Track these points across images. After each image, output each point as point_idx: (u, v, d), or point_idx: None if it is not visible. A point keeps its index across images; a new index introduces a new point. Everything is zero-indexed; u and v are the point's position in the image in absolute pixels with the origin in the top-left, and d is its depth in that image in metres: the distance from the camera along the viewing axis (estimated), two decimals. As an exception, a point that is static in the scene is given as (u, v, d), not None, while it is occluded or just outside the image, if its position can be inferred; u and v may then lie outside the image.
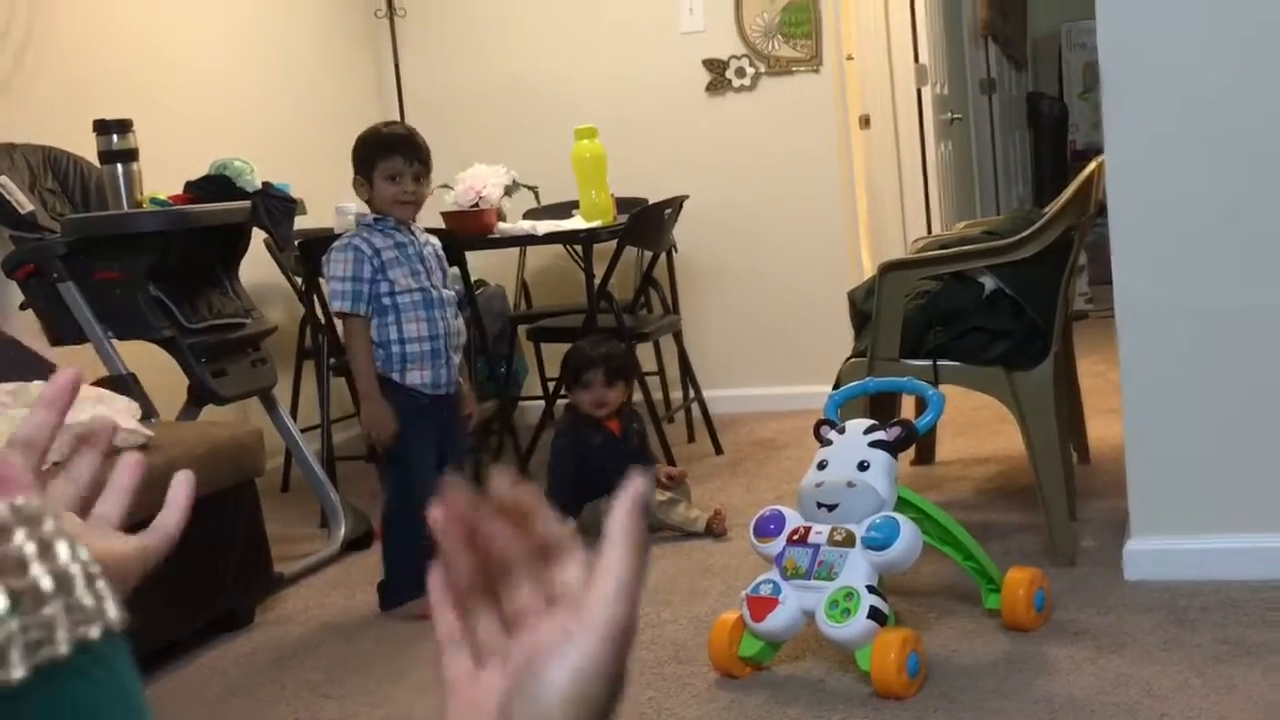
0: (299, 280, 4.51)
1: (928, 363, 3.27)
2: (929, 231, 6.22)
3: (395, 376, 3.33)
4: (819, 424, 2.88)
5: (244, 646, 3.25)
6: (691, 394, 5.00)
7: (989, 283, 3.23)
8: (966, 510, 3.83)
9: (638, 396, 4.54)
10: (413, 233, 3.42)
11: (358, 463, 4.70)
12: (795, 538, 2.73)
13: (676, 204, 4.72)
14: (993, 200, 7.82)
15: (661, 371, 5.20)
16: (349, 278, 3.29)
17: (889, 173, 6.18)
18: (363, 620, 3.37)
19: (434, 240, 3.50)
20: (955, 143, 6.93)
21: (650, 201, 5.02)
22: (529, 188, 4.89)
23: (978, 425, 4.63)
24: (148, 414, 3.54)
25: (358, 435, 4.84)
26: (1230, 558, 3.02)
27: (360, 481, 4.71)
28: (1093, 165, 3.28)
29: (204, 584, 3.25)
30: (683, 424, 5.10)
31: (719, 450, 4.86)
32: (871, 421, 2.85)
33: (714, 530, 3.79)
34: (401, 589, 3.35)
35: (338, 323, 3.67)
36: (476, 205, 4.52)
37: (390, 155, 3.29)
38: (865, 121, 6.07)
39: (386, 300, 3.32)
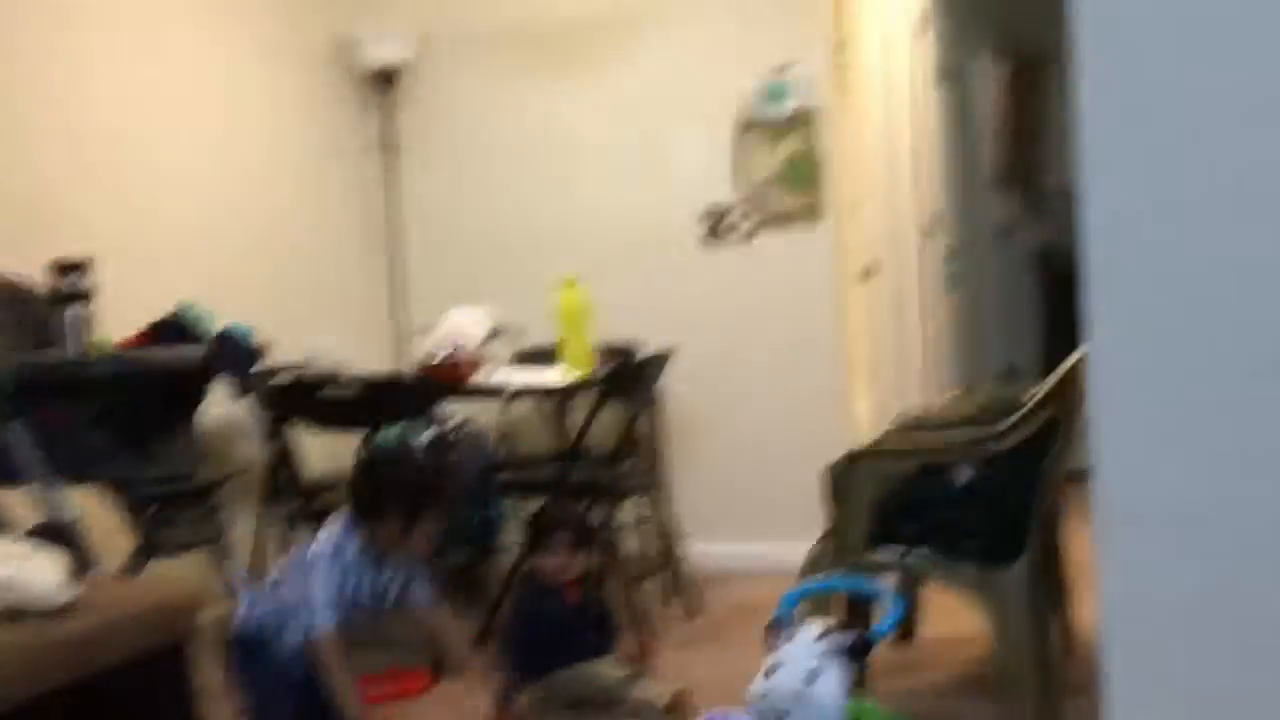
0: (268, 417, 4.38)
1: (897, 554, 3.11)
2: (930, 384, 6.07)
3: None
4: (771, 624, 2.71)
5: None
6: (671, 553, 4.83)
7: (964, 474, 3.08)
8: (942, 699, 3.65)
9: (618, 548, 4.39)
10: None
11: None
12: (739, 749, 2.55)
13: (662, 358, 4.59)
14: (1004, 350, 7.67)
15: (642, 525, 5.03)
16: (331, 598, 3.08)
17: (892, 324, 6.04)
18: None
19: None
20: (964, 293, 6.80)
21: (640, 347, 4.91)
22: (511, 333, 4.78)
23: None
24: (86, 566, 3.39)
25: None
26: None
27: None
28: (1076, 356, 3.13)
29: (125, 754, 3.08)
30: (660, 583, 4.92)
31: (695, 613, 4.68)
32: (826, 626, 2.68)
33: (676, 711, 3.59)
34: None
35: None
36: (454, 353, 4.40)
37: (443, 507, 3.23)
38: (869, 272, 5.95)
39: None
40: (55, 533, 3.41)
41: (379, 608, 3.19)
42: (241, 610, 3.19)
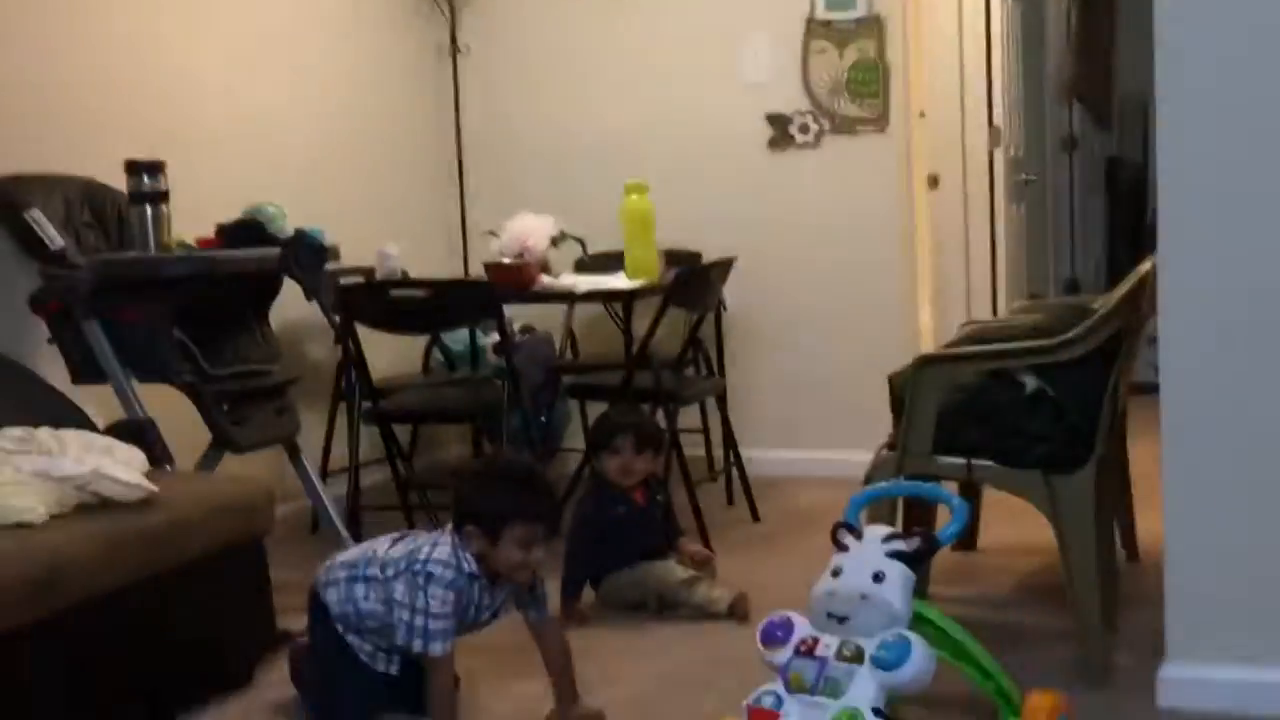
0: (337, 319, 4.43)
1: (962, 461, 3.12)
2: (994, 297, 6.05)
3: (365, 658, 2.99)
4: (836, 527, 2.74)
5: (236, 710, 3.16)
6: (732, 458, 4.87)
7: (1031, 382, 3.08)
8: (1002, 609, 3.68)
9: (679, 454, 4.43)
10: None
11: (383, 512, 4.61)
12: (803, 648, 2.59)
13: (725, 266, 4.61)
14: (1067, 264, 7.61)
15: (705, 430, 5.07)
16: (448, 615, 2.82)
17: (956, 235, 6.01)
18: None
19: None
20: (1029, 204, 6.74)
21: (704, 254, 4.92)
22: (576, 239, 4.80)
23: (1027, 509, 4.44)
24: (162, 461, 3.48)
25: (386, 480, 4.79)
26: (1274, 693, 2.83)
27: (387, 530, 4.62)
28: (1146, 265, 3.12)
29: (204, 643, 3.17)
30: (722, 488, 4.97)
31: (756, 518, 4.72)
32: (891, 529, 2.71)
33: (736, 613, 3.65)
34: None
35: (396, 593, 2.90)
36: (521, 257, 4.43)
37: (533, 523, 2.85)
38: (934, 182, 5.91)
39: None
40: (132, 429, 3.50)
41: (489, 621, 3.00)
42: (340, 592, 2.97)
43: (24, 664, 2.70)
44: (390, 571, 2.90)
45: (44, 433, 3.14)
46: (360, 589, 2.95)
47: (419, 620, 2.81)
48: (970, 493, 3.59)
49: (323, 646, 3.02)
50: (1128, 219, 7.85)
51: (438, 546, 2.87)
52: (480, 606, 2.92)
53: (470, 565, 2.85)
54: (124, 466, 3.07)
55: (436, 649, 2.81)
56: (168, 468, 3.49)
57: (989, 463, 3.12)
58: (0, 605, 2.63)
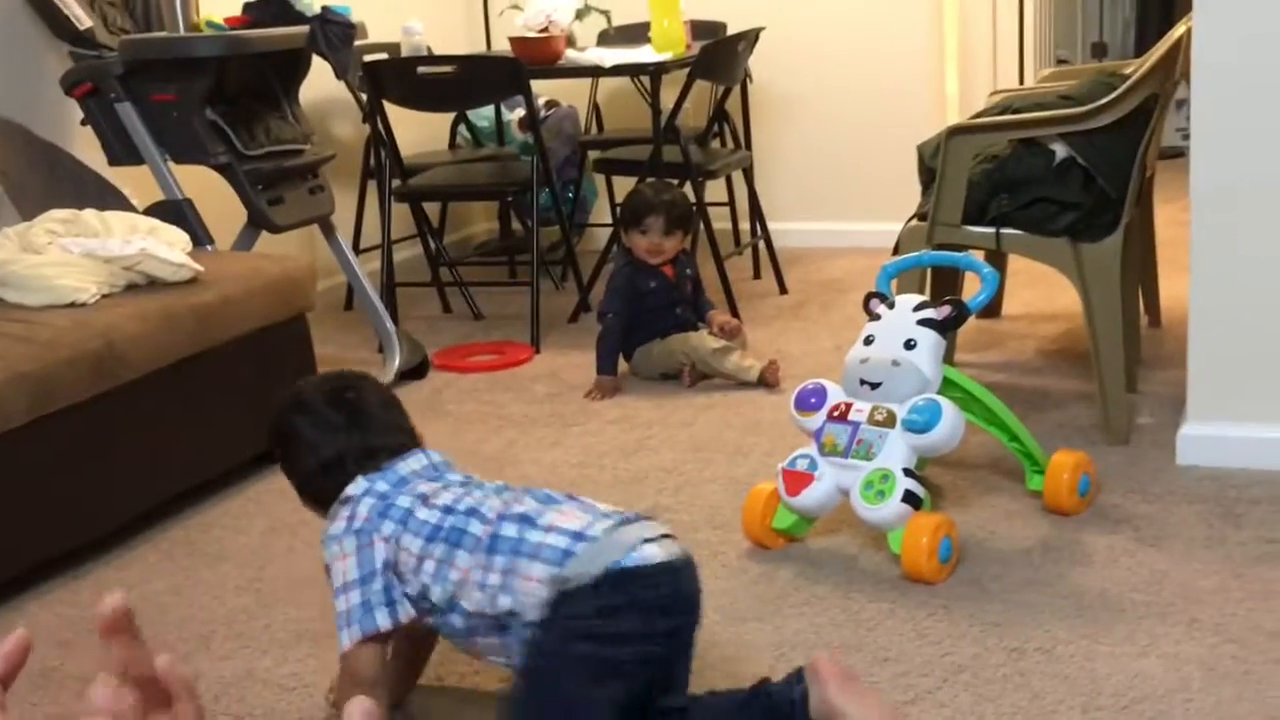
0: (364, 98, 4.44)
1: (991, 230, 3.16)
2: (1020, 64, 5.98)
3: None
4: (869, 296, 2.81)
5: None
6: (759, 231, 4.91)
7: (1060, 150, 3.10)
8: (1026, 373, 3.76)
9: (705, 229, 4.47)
10: None
11: (418, 288, 4.69)
12: (836, 414, 2.68)
13: (751, 37, 4.57)
14: (1096, 27, 7.50)
15: (732, 203, 5.10)
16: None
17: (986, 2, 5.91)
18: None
19: None
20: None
21: (729, 26, 4.87)
22: (601, 11, 4.75)
23: (1050, 277, 4.49)
24: (201, 241, 3.54)
25: (418, 256, 4.85)
26: (1288, 449, 2.93)
27: (420, 306, 4.72)
28: (1180, 29, 3.10)
29: (251, 418, 3.28)
30: (749, 261, 5.03)
31: (783, 290, 4.79)
32: (921, 298, 2.77)
33: (767, 381, 3.74)
34: None
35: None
36: (545, 30, 4.40)
37: None
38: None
39: None
40: (172, 210, 3.55)
41: None
42: None
43: (84, 439, 2.81)
44: None
45: (89, 214, 3.19)
46: None
47: None
48: (996, 262, 3.64)
49: None
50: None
51: None
52: None
53: None
54: (169, 247, 3.14)
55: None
56: (209, 248, 3.56)
57: (1018, 232, 3.16)
58: (60, 381, 2.72)
